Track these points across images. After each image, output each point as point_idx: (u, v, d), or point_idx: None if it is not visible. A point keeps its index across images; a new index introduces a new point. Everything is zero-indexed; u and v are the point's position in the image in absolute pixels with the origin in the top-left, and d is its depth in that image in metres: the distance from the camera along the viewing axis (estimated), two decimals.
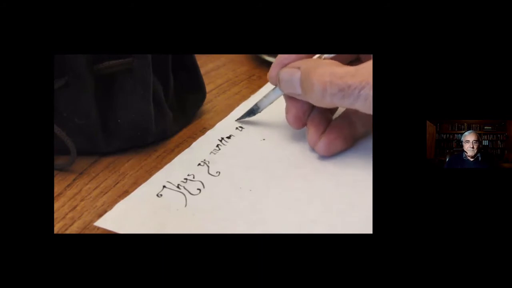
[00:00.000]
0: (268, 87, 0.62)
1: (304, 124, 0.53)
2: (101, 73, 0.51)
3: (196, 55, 0.58)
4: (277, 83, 0.53)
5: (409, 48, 0.43)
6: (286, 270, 0.40)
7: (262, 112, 0.58)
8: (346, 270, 0.40)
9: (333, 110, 0.55)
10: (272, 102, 0.56)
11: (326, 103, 0.48)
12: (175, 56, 0.56)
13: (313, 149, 0.52)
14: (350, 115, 0.53)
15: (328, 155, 0.52)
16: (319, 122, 0.52)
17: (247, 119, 0.58)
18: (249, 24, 0.46)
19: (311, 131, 0.52)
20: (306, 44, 0.47)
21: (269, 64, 0.66)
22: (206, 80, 0.59)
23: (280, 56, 0.53)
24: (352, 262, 0.40)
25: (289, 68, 0.51)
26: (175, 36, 0.46)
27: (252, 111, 0.57)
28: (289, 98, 0.53)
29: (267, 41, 0.47)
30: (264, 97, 0.56)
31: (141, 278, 0.40)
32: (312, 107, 0.53)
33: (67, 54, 0.49)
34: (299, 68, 0.50)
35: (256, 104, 0.57)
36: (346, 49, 0.46)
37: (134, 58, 0.51)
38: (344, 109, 0.54)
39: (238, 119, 0.58)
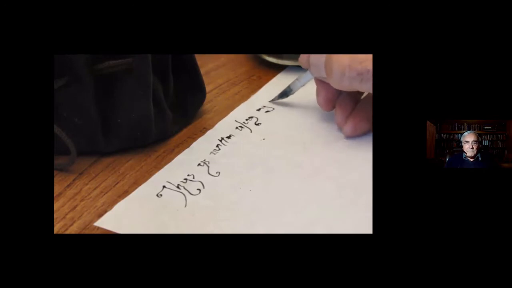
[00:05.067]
0: (268, 86, 0.62)
1: (334, 106, 0.54)
2: (101, 73, 0.51)
3: (196, 55, 0.58)
4: (308, 67, 0.54)
5: (409, 48, 0.43)
6: (286, 270, 0.40)
7: (262, 110, 0.58)
8: (346, 270, 0.40)
9: (362, 92, 0.55)
10: (304, 85, 0.57)
11: (345, 87, 0.50)
12: (175, 56, 0.56)
13: (339, 130, 0.54)
14: None
15: (354, 136, 0.53)
16: (347, 104, 0.54)
17: (280, 100, 0.59)
18: (249, 24, 0.46)
19: (338, 112, 0.54)
20: (306, 44, 0.47)
21: (269, 64, 0.66)
22: (206, 80, 0.59)
23: None
24: (352, 262, 0.40)
25: None
26: (175, 36, 0.46)
27: (285, 93, 0.59)
28: (319, 81, 0.54)
29: (267, 41, 0.47)
30: (297, 79, 0.58)
31: (141, 278, 0.40)
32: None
33: (67, 54, 0.49)
34: None
35: (289, 86, 0.58)
36: (346, 49, 0.46)
37: (134, 58, 0.50)
38: None
39: (271, 100, 0.59)
